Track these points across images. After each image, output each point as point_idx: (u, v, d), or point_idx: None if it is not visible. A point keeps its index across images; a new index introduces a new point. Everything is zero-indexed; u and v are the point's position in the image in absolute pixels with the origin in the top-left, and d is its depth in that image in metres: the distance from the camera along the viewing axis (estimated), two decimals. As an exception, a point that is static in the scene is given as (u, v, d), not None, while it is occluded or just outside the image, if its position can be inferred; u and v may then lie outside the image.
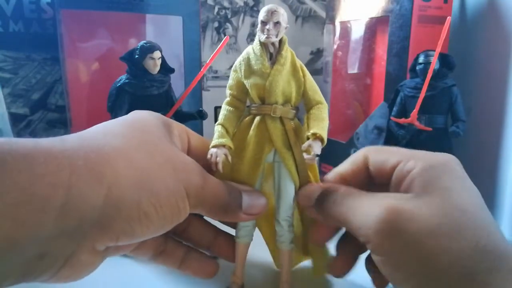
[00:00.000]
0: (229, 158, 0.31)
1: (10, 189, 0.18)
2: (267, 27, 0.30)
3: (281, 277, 0.34)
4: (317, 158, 0.30)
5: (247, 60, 0.32)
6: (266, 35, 0.30)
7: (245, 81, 0.32)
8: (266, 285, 0.37)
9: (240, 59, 0.33)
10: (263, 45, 0.31)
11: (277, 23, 0.30)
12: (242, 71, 0.32)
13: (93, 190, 0.21)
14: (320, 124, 0.32)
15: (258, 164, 0.32)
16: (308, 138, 0.31)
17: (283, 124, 0.32)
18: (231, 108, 0.33)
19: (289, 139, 0.32)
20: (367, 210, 0.26)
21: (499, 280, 0.22)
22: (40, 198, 0.19)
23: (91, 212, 0.21)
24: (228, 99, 0.33)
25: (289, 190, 0.33)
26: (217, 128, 0.32)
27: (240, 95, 0.33)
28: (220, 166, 0.30)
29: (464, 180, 0.28)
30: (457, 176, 0.28)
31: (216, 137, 0.31)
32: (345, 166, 0.33)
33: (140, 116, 0.29)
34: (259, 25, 0.31)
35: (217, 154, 0.30)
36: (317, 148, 0.30)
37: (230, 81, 0.33)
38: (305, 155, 0.31)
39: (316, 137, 0.31)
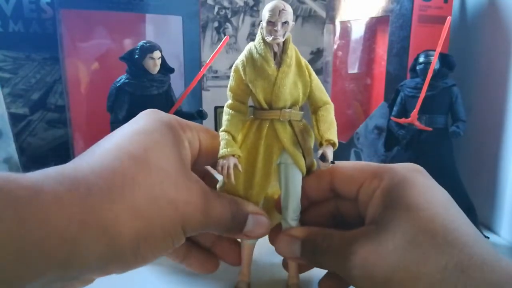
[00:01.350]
0: (240, 167, 0.29)
1: (27, 242, 0.20)
2: (276, 28, 0.28)
3: (290, 272, 0.34)
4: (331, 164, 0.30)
5: (251, 61, 0.30)
6: (273, 36, 0.28)
7: (250, 84, 0.30)
8: (273, 283, 0.37)
9: (242, 58, 0.30)
10: (267, 44, 0.29)
11: (285, 23, 0.29)
12: (246, 72, 0.30)
13: (96, 243, 0.22)
14: (331, 128, 0.31)
15: (270, 170, 0.31)
16: (321, 144, 0.30)
17: (291, 126, 0.31)
18: (234, 112, 0.31)
19: (299, 141, 0.31)
20: (348, 262, 0.27)
21: None
22: (49, 250, 0.20)
23: (91, 262, 0.22)
24: (230, 102, 0.31)
25: (297, 190, 0.32)
26: (223, 136, 0.30)
27: (243, 97, 0.31)
28: (232, 179, 0.29)
29: (429, 190, 0.28)
30: (421, 190, 0.27)
31: (224, 146, 0.29)
32: (310, 181, 0.33)
33: (150, 138, 0.28)
34: (265, 25, 0.29)
35: (228, 166, 0.29)
36: (330, 155, 0.29)
37: (232, 83, 0.31)
38: (320, 163, 0.30)
39: (329, 143, 0.30)
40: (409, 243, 0.25)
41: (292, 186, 0.31)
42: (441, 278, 0.23)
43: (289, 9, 0.29)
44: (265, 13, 0.29)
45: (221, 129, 0.31)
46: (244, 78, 0.30)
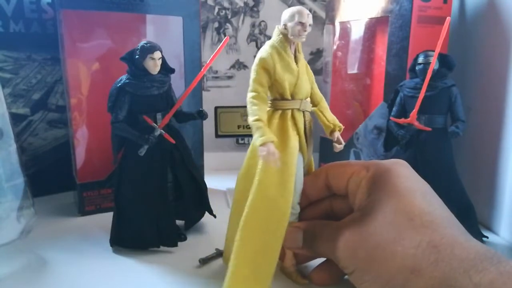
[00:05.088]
0: (278, 152, 0.31)
1: None
2: (305, 28, 0.33)
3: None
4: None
5: (279, 57, 0.34)
6: (301, 35, 0.33)
7: (278, 77, 0.33)
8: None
9: (268, 54, 0.33)
10: (288, 43, 0.34)
11: (310, 25, 0.33)
12: (276, 67, 0.33)
13: None
14: (335, 116, 0.37)
15: (296, 151, 0.34)
16: (333, 130, 0.37)
17: (304, 116, 0.35)
18: (261, 102, 0.33)
19: (307, 129, 0.35)
20: (335, 245, 0.31)
21: (446, 271, 0.25)
22: None
23: None
24: (255, 94, 0.33)
25: (300, 173, 0.35)
26: (258, 125, 0.32)
27: (266, 90, 0.34)
28: (279, 163, 0.31)
29: (409, 180, 0.31)
30: (402, 179, 0.30)
31: (262, 134, 0.31)
32: (308, 180, 0.36)
33: None
34: (293, 25, 0.33)
35: (274, 153, 0.31)
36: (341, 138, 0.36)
37: (258, 76, 0.33)
38: (336, 145, 0.36)
39: (339, 129, 0.37)
40: (389, 224, 0.28)
41: (299, 171, 0.35)
42: (415, 253, 0.26)
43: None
44: (293, 15, 0.33)
45: (252, 118, 0.32)
46: (271, 71, 0.33)
